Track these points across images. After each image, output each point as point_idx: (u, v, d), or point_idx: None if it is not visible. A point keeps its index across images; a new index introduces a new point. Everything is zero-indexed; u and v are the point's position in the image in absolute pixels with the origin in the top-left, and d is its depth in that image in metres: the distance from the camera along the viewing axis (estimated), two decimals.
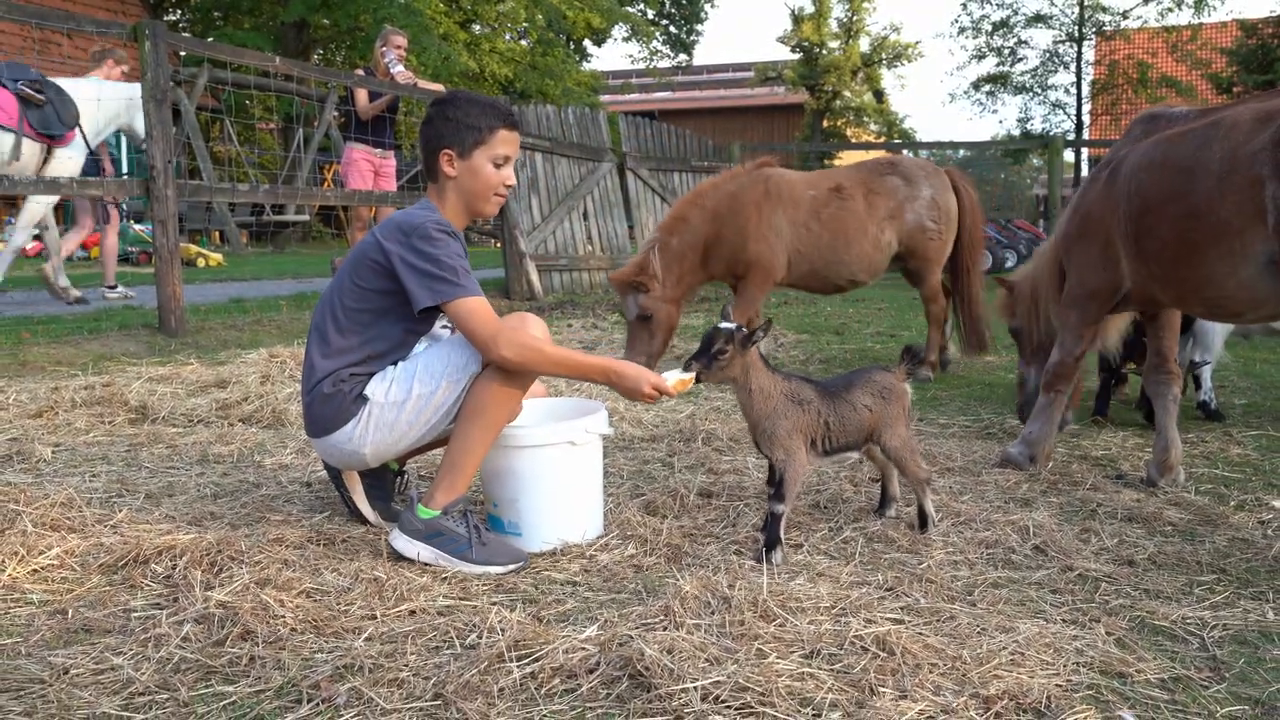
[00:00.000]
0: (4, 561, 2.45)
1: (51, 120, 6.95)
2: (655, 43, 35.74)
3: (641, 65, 37.78)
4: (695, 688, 1.84)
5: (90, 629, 2.16)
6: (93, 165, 7.87)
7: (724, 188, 5.54)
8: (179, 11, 24.66)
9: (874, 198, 5.65)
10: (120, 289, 8.73)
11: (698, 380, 2.64)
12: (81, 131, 7.33)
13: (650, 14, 34.67)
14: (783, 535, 2.64)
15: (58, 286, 8.05)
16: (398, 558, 2.58)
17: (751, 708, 1.80)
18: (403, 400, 2.61)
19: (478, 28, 26.03)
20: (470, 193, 2.70)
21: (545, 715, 1.80)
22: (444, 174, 2.68)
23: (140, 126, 7.27)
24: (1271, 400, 4.93)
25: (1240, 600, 2.39)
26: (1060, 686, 1.90)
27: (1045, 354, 3.91)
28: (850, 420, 2.73)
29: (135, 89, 7.37)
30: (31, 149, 6.92)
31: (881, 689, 1.88)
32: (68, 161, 7.29)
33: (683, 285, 5.47)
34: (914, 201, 5.66)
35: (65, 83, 7.25)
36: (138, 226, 14.19)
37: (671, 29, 36.46)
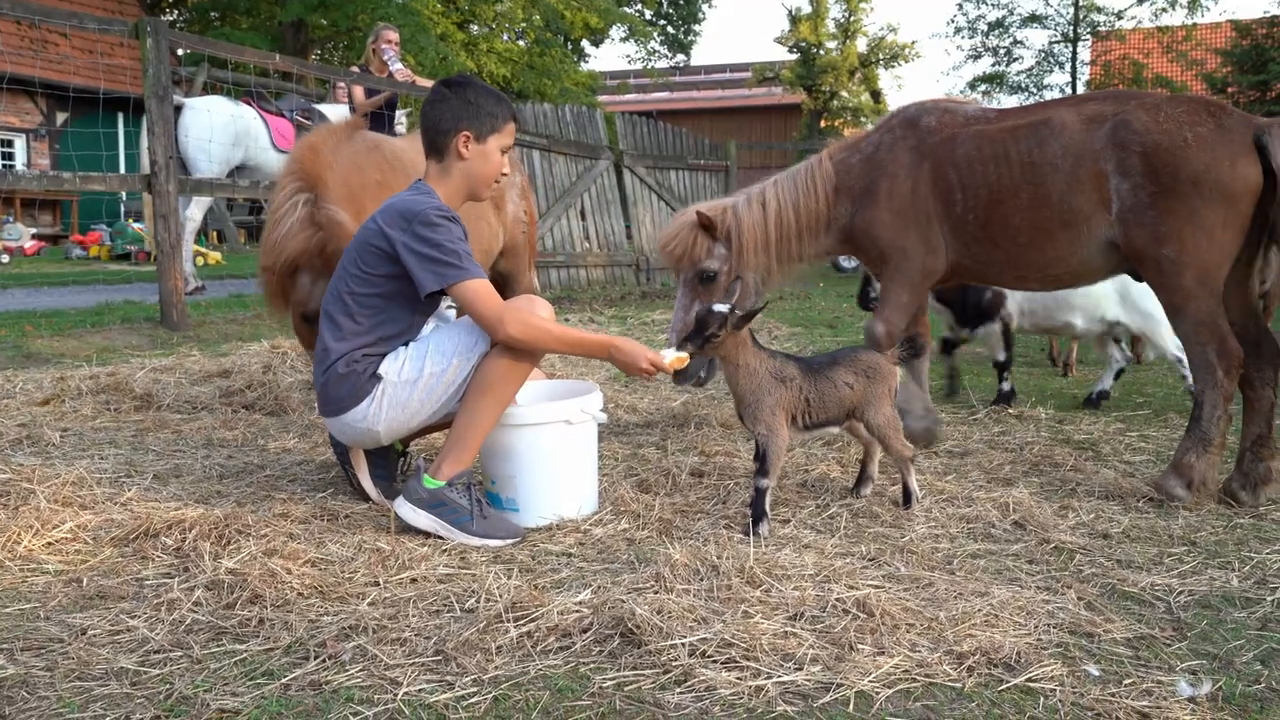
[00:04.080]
0: (20, 534, 2.54)
1: None
2: (653, 43, 35.84)
3: (639, 66, 37.88)
4: (683, 644, 1.95)
5: (105, 595, 2.25)
6: None
7: (341, 154, 3.52)
8: (176, 11, 24.72)
9: None
10: None
11: (691, 356, 2.76)
12: None
13: (648, 14, 34.76)
14: (769, 510, 2.74)
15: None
16: (402, 525, 2.68)
17: (736, 661, 1.90)
18: (415, 379, 2.71)
19: (475, 28, 26.09)
20: (478, 177, 2.80)
21: (541, 669, 1.90)
22: (457, 154, 2.77)
23: None
24: None
25: (1208, 569, 2.49)
26: (1030, 644, 2.00)
27: None
28: (830, 396, 2.84)
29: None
30: None
31: (860, 646, 1.98)
32: None
33: None
34: (511, 189, 4.65)
35: (326, 108, 9.29)
36: (136, 225, 14.27)
37: (669, 29, 36.55)
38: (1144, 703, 1.80)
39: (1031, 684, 1.86)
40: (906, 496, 2.95)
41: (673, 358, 2.72)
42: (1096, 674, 1.91)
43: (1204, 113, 3.06)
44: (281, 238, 3.15)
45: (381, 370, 2.72)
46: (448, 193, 2.78)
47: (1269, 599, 2.29)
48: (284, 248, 3.13)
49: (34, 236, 15.82)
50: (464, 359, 2.70)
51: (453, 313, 3.00)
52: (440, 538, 2.65)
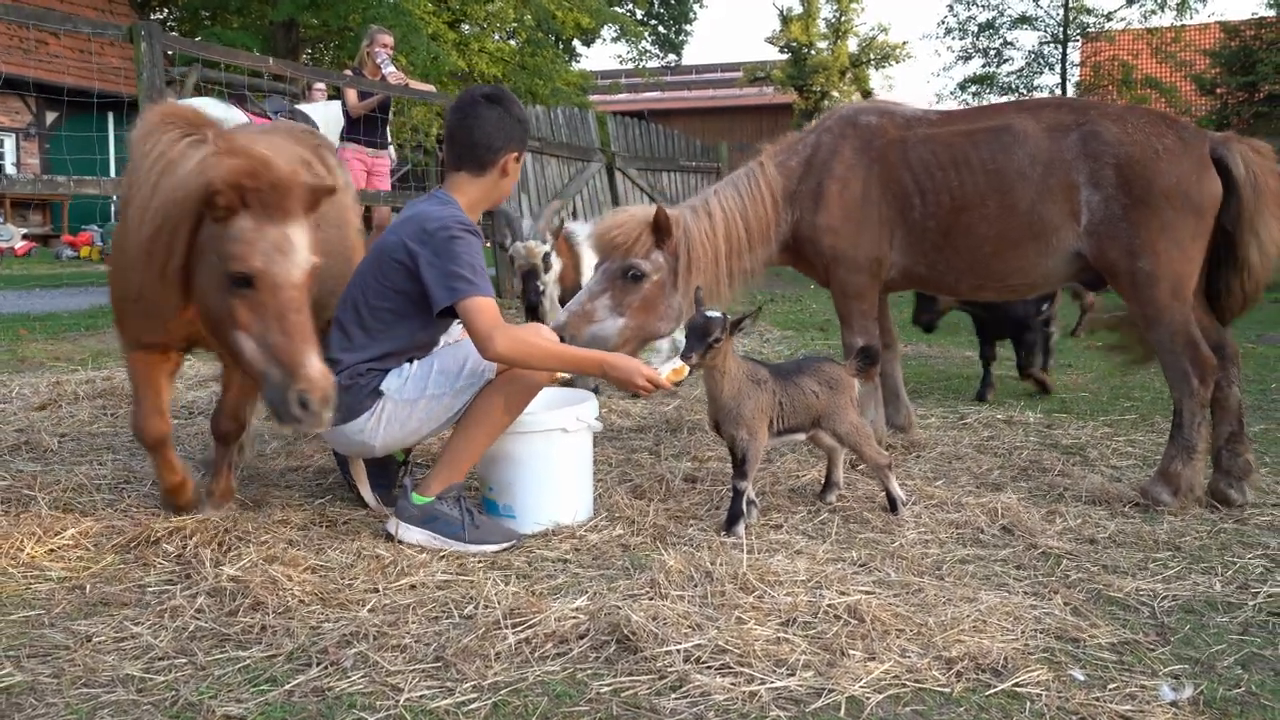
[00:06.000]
0: (22, 541, 2.57)
1: None
2: (644, 43, 35.85)
3: (630, 65, 37.90)
4: (678, 650, 1.99)
5: (108, 602, 2.29)
6: None
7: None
8: (166, 11, 24.64)
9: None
10: None
11: (693, 367, 2.74)
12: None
13: (639, 14, 34.78)
14: (745, 509, 2.80)
15: None
16: (400, 543, 2.71)
17: (730, 667, 1.95)
18: (416, 399, 2.72)
19: (466, 27, 26.07)
20: (504, 192, 2.88)
21: (539, 675, 1.94)
22: (502, 171, 2.81)
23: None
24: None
25: (1191, 574, 2.54)
26: (1018, 649, 2.05)
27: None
28: (799, 403, 2.90)
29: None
30: None
31: (851, 651, 2.03)
32: None
33: None
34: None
35: (306, 108, 9.20)
36: None
37: (660, 29, 36.57)
38: (1128, 707, 1.85)
39: (1018, 689, 1.91)
40: (892, 503, 3.00)
41: (670, 371, 2.74)
42: (1082, 679, 1.96)
43: (1164, 125, 3.12)
44: None
45: (384, 386, 2.73)
46: (470, 203, 2.80)
47: (1251, 604, 2.34)
48: None
49: (24, 237, 15.79)
50: (466, 385, 2.72)
51: (458, 328, 3.01)
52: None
